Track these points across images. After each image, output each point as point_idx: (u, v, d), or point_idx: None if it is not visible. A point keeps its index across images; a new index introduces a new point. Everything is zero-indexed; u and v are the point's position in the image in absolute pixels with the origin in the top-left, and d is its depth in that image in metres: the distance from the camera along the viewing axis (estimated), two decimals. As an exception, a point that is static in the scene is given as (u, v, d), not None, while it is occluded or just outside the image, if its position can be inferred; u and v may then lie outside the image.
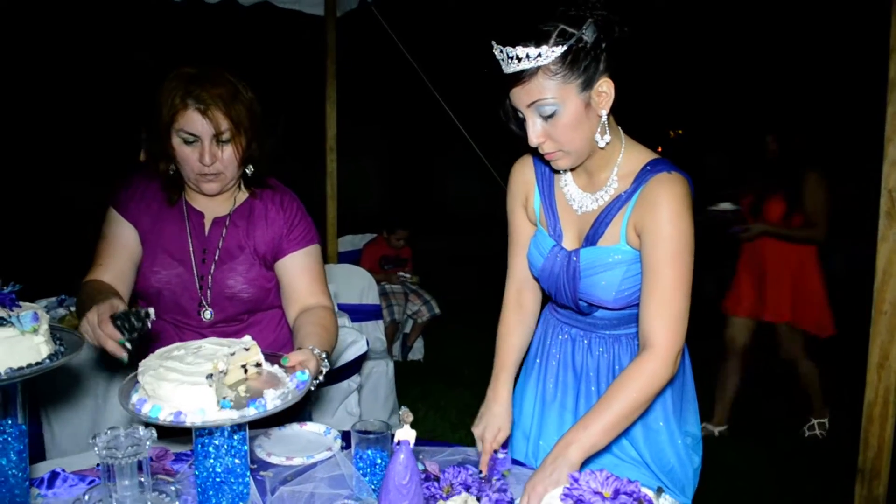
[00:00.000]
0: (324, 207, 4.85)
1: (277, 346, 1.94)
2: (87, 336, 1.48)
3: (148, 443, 1.01)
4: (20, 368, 1.20)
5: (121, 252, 1.88)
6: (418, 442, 1.32)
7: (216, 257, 1.88)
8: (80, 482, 1.57)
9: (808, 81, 7.06)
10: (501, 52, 1.42)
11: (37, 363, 1.23)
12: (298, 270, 1.89)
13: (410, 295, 5.53)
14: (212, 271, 1.88)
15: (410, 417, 1.26)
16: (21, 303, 1.30)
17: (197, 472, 1.42)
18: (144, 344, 1.55)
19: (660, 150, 1.67)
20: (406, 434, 1.26)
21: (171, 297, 1.88)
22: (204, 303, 1.88)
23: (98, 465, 1.65)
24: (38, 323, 1.21)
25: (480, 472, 1.58)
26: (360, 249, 5.61)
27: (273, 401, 1.33)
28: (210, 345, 1.45)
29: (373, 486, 1.52)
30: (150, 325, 1.49)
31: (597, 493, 0.95)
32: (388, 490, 1.24)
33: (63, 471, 1.59)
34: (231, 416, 1.30)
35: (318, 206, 4.89)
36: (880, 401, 1.87)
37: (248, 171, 1.87)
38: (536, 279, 1.75)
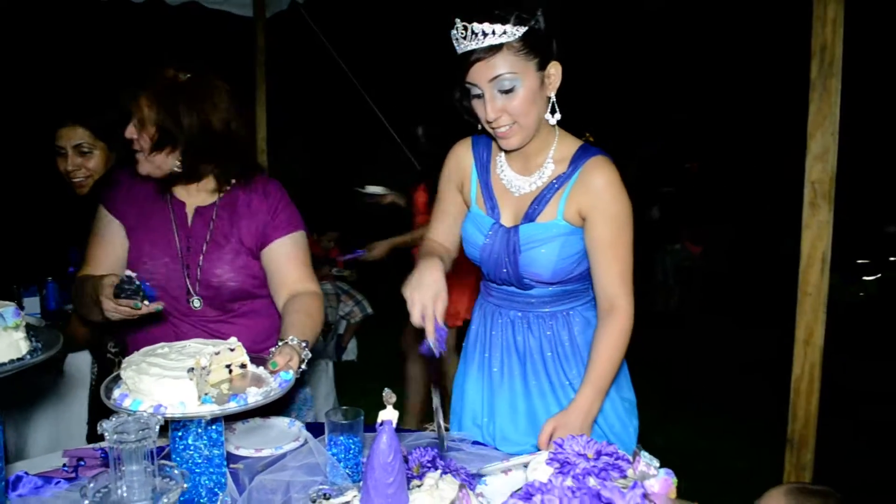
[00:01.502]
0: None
1: (271, 334, 1.94)
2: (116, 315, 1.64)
3: (156, 428, 1.02)
4: (2, 364, 1.18)
5: (109, 250, 1.93)
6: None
7: (203, 248, 1.89)
8: (46, 484, 1.55)
9: (731, 80, 7.51)
10: (466, 28, 1.54)
11: (18, 359, 1.21)
12: (285, 258, 1.91)
13: (343, 296, 5.52)
14: (200, 262, 1.89)
15: (393, 398, 1.31)
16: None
17: (175, 459, 1.43)
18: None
19: (590, 137, 1.81)
20: (389, 414, 1.31)
21: (159, 286, 1.89)
22: (192, 291, 1.89)
23: (64, 466, 1.63)
24: (19, 319, 1.20)
25: (431, 345, 1.57)
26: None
27: (254, 396, 1.36)
28: (195, 344, 1.47)
29: (347, 471, 1.56)
30: (136, 279, 1.61)
31: (580, 454, 1.03)
32: (374, 468, 1.28)
33: (26, 473, 1.56)
34: (211, 409, 1.32)
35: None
36: (806, 376, 2.05)
37: (175, 168, 1.87)
38: (473, 260, 1.84)
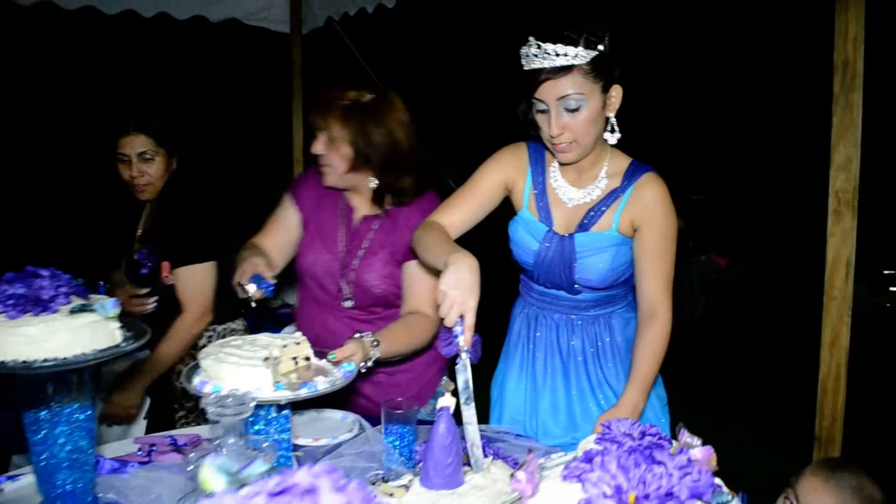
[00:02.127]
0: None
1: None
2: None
3: (252, 403, 1.15)
4: (103, 350, 1.32)
5: (281, 230, 2.14)
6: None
7: (359, 253, 2.05)
8: (122, 466, 1.69)
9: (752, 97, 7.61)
10: (539, 47, 1.63)
11: (115, 346, 1.35)
12: (416, 277, 2.01)
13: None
14: (354, 265, 2.05)
15: (451, 386, 1.43)
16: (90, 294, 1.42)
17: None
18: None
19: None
20: (447, 401, 1.43)
21: (316, 279, 2.09)
22: (344, 290, 2.06)
23: (139, 450, 1.77)
24: (118, 310, 1.33)
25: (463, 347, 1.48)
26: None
27: (323, 384, 1.49)
28: (265, 337, 1.60)
29: (402, 458, 1.68)
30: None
31: (627, 434, 1.13)
32: (434, 450, 1.40)
33: (103, 457, 1.70)
34: (286, 394, 1.45)
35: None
36: (833, 375, 2.13)
37: (370, 184, 2.03)
38: (524, 263, 1.94)
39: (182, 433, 1.91)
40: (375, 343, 1.78)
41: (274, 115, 4.78)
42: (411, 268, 2.00)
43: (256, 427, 1.54)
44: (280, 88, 4.82)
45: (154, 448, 1.81)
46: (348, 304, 2.07)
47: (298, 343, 1.61)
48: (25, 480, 1.63)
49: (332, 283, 2.08)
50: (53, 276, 1.36)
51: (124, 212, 2.56)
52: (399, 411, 1.70)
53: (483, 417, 2.00)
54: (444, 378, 1.48)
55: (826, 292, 2.13)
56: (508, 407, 2.00)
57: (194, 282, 2.39)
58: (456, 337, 1.47)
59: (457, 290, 1.47)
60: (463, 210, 1.86)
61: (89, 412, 1.43)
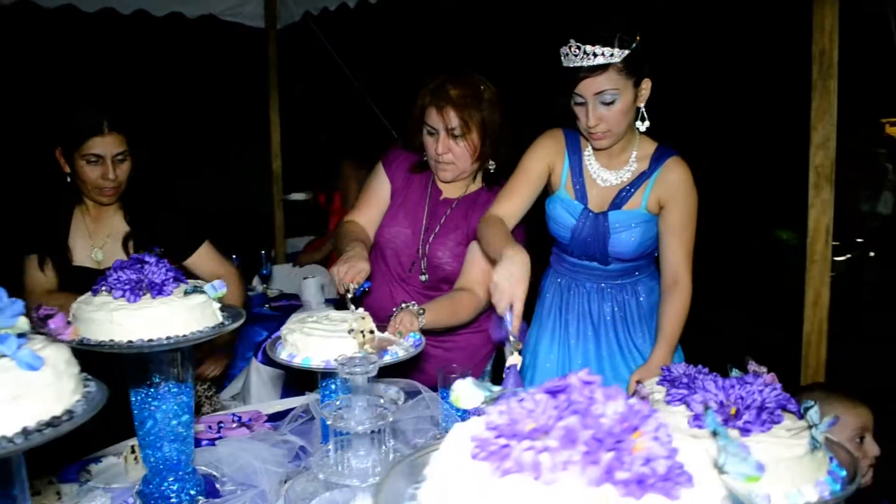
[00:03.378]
0: (271, 210, 5.06)
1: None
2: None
3: (374, 366, 1.31)
4: (213, 328, 1.46)
5: (375, 202, 2.25)
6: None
7: (437, 230, 2.19)
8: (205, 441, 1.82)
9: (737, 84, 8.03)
10: (579, 48, 1.83)
11: (221, 324, 1.49)
12: (475, 258, 2.15)
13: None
14: (430, 240, 2.18)
15: (520, 346, 1.61)
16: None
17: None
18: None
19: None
20: (515, 360, 1.61)
21: (395, 251, 2.20)
22: (421, 265, 2.20)
23: (208, 427, 1.90)
24: (224, 290, 1.47)
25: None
26: (301, 251, 5.82)
27: (402, 351, 1.65)
28: (335, 313, 1.75)
29: (459, 419, 1.85)
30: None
31: (686, 374, 1.32)
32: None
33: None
34: (386, 359, 1.61)
35: (268, 211, 5.10)
36: (815, 330, 2.41)
37: (489, 166, 2.16)
38: (560, 238, 2.14)
39: (242, 411, 2.05)
40: (422, 311, 1.92)
41: (251, 110, 4.85)
42: (474, 248, 2.15)
43: (331, 389, 1.70)
44: (257, 84, 4.88)
45: (222, 425, 1.94)
46: (423, 277, 2.21)
47: (363, 318, 1.76)
48: (107, 462, 1.75)
49: (408, 257, 2.21)
50: (159, 262, 1.48)
51: (54, 213, 2.33)
52: (454, 376, 1.87)
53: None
54: (513, 337, 1.65)
55: (808, 257, 2.40)
56: (541, 370, 2.20)
57: (212, 257, 2.42)
58: (506, 323, 1.65)
59: (508, 281, 1.65)
60: (518, 198, 2.05)
61: (190, 387, 1.56)
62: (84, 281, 2.06)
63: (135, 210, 2.36)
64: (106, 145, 2.17)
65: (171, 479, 1.54)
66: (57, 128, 2.19)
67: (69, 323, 1.01)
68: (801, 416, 1.04)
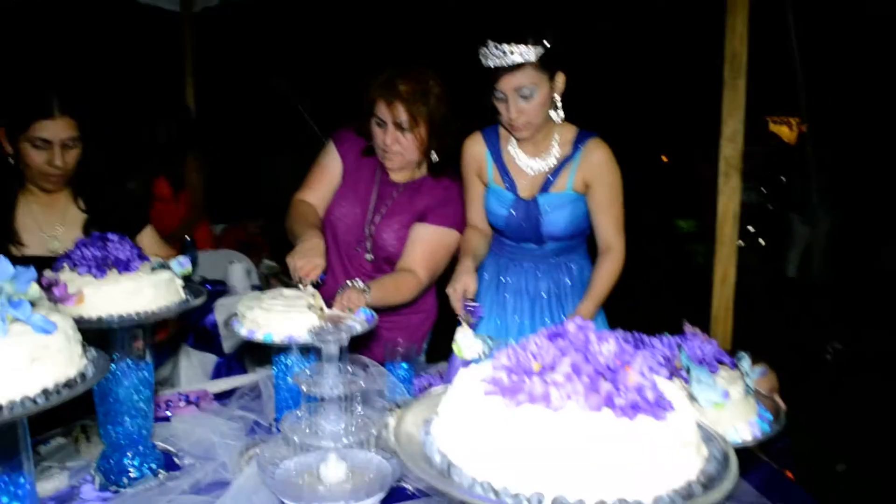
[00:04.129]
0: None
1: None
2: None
3: (346, 335, 1.37)
4: (179, 304, 1.49)
5: (327, 180, 2.28)
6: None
7: (383, 212, 2.24)
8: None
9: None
10: (497, 48, 1.95)
11: (185, 300, 1.52)
12: (417, 238, 2.22)
13: (271, 279, 5.74)
14: (377, 222, 2.24)
15: (472, 320, 1.72)
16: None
17: (276, 385, 1.77)
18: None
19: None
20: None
21: (344, 230, 2.25)
22: (366, 245, 2.25)
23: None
24: (189, 267, 1.50)
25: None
26: (219, 237, 5.72)
27: (360, 325, 1.72)
28: (288, 291, 1.80)
29: (405, 389, 1.94)
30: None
31: (630, 334, 1.44)
32: (455, 367, 1.70)
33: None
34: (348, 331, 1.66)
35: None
36: (723, 306, 2.64)
37: (433, 157, 2.21)
38: (496, 226, 2.28)
39: (189, 390, 2.06)
40: (367, 289, 1.98)
41: (167, 95, 4.71)
42: (416, 230, 2.23)
43: (286, 363, 1.75)
44: (173, 69, 4.75)
45: (170, 403, 1.95)
46: (368, 256, 2.27)
47: (313, 295, 1.81)
48: (56, 443, 1.73)
49: (355, 236, 2.27)
50: (122, 239, 1.49)
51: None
52: (400, 350, 1.96)
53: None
54: (463, 312, 1.77)
55: (717, 239, 2.63)
56: (480, 342, 2.33)
57: (157, 240, 2.33)
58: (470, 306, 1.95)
59: (450, 284, 2.03)
60: (476, 205, 2.30)
61: (150, 364, 1.58)
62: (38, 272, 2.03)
63: (90, 196, 2.21)
64: (55, 129, 1.99)
65: (131, 453, 1.56)
66: (7, 110, 2.03)
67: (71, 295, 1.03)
68: (735, 367, 1.20)
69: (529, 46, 1.97)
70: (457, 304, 2.01)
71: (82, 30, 4.94)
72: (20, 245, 2.06)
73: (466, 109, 2.33)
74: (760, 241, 7.58)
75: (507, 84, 2.01)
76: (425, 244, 2.22)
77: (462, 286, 2.05)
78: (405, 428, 0.85)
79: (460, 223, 2.29)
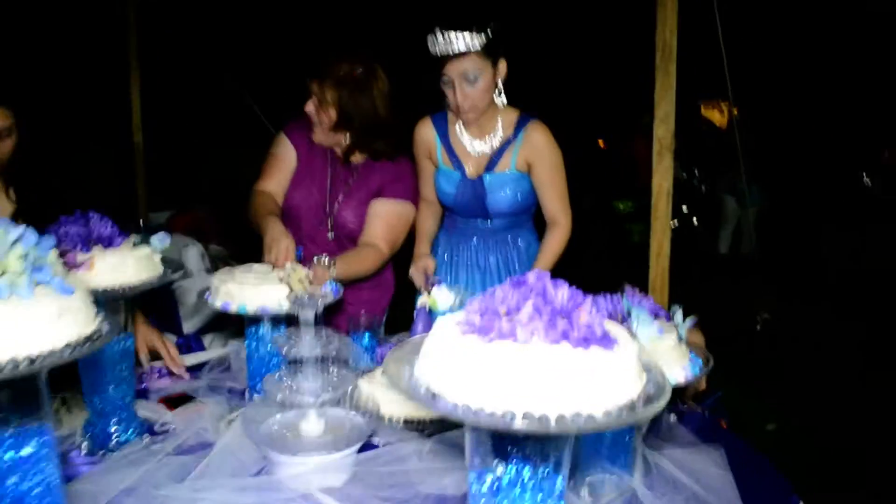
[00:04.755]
0: (134, 182, 4.94)
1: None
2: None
3: (321, 302, 1.50)
4: (160, 277, 1.58)
5: (283, 168, 2.37)
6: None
7: (341, 194, 2.35)
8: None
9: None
10: (444, 35, 2.09)
11: (163, 274, 1.61)
12: (375, 213, 2.34)
13: (220, 263, 5.76)
14: (338, 202, 2.35)
15: (431, 289, 1.86)
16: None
17: (249, 355, 1.88)
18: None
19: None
20: (424, 301, 1.87)
21: (304, 212, 2.36)
22: (327, 224, 2.37)
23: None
24: (167, 243, 1.59)
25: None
26: (165, 223, 5.70)
27: (326, 298, 1.82)
28: (258, 266, 1.91)
29: (369, 357, 2.07)
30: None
31: None
32: (421, 321, 1.86)
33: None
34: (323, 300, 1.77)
35: (130, 182, 4.97)
36: (659, 276, 2.84)
37: (344, 140, 2.32)
38: (446, 203, 2.44)
39: (160, 364, 2.13)
40: (333, 263, 2.10)
41: (110, 76, 4.67)
42: (374, 206, 2.35)
43: (258, 335, 1.86)
44: (117, 50, 4.71)
45: (145, 377, 2.05)
46: (330, 235, 2.38)
47: (295, 269, 1.91)
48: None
49: (316, 218, 2.38)
50: (101, 217, 1.57)
51: None
52: (363, 321, 2.10)
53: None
54: (428, 287, 1.92)
55: (652, 215, 2.82)
56: (435, 313, 2.47)
57: None
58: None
59: (420, 263, 2.31)
60: (429, 184, 2.49)
61: (132, 335, 1.67)
62: None
63: (21, 187, 2.20)
64: None
65: (116, 420, 1.65)
66: None
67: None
68: (669, 319, 1.38)
69: (474, 34, 2.11)
70: (420, 281, 2.24)
71: (19, 16, 4.85)
72: None
73: (412, 96, 2.47)
74: (694, 220, 7.96)
75: (453, 69, 2.16)
76: (383, 218, 2.35)
77: (423, 266, 2.25)
78: (390, 370, 0.98)
79: (414, 195, 2.43)
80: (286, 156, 2.40)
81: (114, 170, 5.38)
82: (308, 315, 1.48)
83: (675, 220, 7.46)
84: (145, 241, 1.58)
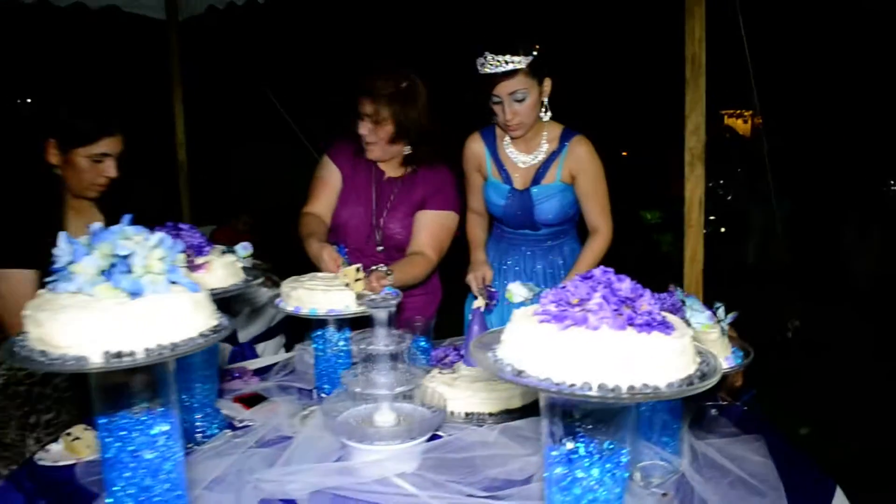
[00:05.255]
0: (178, 198, 5.15)
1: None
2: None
3: (394, 303, 1.65)
4: (247, 282, 1.74)
5: (328, 190, 2.52)
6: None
7: (387, 206, 2.50)
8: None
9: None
10: (495, 58, 2.27)
11: (247, 280, 1.77)
12: (422, 224, 2.50)
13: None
14: (384, 216, 2.50)
15: (493, 302, 2.01)
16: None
17: (316, 357, 2.03)
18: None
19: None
20: (480, 303, 2.01)
21: (353, 228, 2.51)
22: (375, 237, 2.52)
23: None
24: (250, 251, 1.75)
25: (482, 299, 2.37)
26: (210, 236, 5.92)
27: (393, 299, 1.97)
28: (321, 273, 2.07)
29: (425, 360, 2.21)
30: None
31: None
32: (473, 335, 1.98)
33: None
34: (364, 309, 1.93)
35: (174, 198, 5.18)
36: (693, 282, 2.96)
37: (404, 151, 2.48)
38: (496, 214, 2.60)
39: (229, 367, 2.29)
40: (390, 272, 2.24)
41: (155, 101, 4.90)
42: (419, 218, 2.50)
43: (325, 336, 2.01)
44: (161, 76, 4.93)
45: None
46: (379, 248, 2.53)
47: (357, 268, 2.05)
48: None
49: (365, 232, 2.53)
50: (190, 227, 1.74)
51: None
52: (418, 325, 2.24)
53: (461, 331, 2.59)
54: (485, 294, 2.09)
55: (686, 223, 2.94)
56: (487, 316, 2.61)
57: None
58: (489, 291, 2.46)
59: (470, 271, 2.52)
60: (476, 196, 2.69)
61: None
62: None
63: (110, 202, 2.34)
64: (113, 145, 2.20)
65: (201, 416, 1.81)
66: (61, 124, 2.16)
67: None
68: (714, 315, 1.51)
69: (521, 56, 2.28)
70: (477, 289, 2.42)
71: (68, 39, 5.09)
72: None
73: (454, 109, 2.62)
74: (721, 229, 8.03)
75: (502, 89, 2.32)
76: (429, 228, 2.50)
77: (481, 274, 2.43)
78: (476, 355, 1.13)
79: (455, 204, 2.57)
80: (331, 178, 2.55)
81: (159, 186, 5.60)
82: (381, 315, 1.63)
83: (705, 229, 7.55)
84: (229, 250, 1.74)
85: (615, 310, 1.03)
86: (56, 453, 1.77)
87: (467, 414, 1.83)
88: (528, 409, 1.84)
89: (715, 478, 1.58)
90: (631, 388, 0.98)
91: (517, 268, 2.60)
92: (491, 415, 1.82)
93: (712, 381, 1.03)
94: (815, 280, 7.18)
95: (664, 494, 1.42)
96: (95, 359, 1.01)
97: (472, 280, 2.45)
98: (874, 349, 5.47)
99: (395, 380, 1.62)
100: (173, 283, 1.11)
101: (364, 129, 2.41)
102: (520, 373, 1.03)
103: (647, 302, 1.06)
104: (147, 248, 1.08)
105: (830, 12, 7.92)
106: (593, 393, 0.97)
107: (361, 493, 1.50)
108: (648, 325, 1.03)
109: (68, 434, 1.81)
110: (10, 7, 4.00)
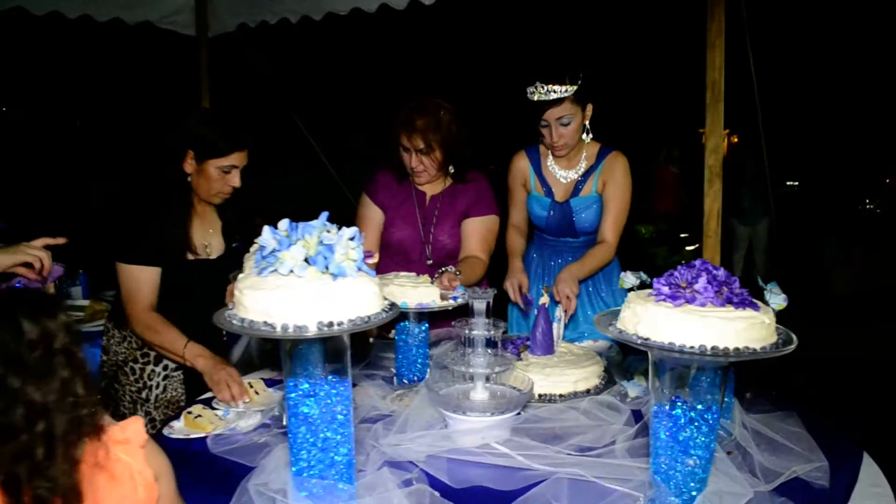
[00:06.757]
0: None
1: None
2: None
3: (491, 294, 1.92)
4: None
5: (372, 226, 2.80)
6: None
7: (434, 221, 2.77)
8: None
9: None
10: (544, 87, 2.54)
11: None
12: (470, 231, 2.78)
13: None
14: (432, 230, 2.77)
15: (529, 308, 2.29)
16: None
17: (398, 346, 2.29)
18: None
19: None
20: (545, 300, 2.29)
21: (403, 247, 2.77)
22: (426, 252, 2.78)
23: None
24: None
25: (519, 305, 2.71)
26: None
27: (462, 297, 2.24)
28: (404, 273, 2.34)
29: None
30: None
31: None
32: (539, 332, 2.26)
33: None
34: (447, 303, 2.20)
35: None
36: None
37: (450, 169, 2.74)
38: (539, 225, 2.88)
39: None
40: (458, 273, 2.48)
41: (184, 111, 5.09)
42: (466, 226, 2.79)
43: (407, 327, 2.26)
44: (191, 91, 5.15)
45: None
46: (429, 262, 2.79)
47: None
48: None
49: (416, 249, 2.81)
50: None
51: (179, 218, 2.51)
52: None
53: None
54: (522, 301, 2.45)
55: (705, 233, 3.26)
56: (532, 315, 2.86)
57: None
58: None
59: (507, 279, 2.70)
60: (519, 207, 2.95)
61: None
62: (195, 273, 2.46)
63: (227, 207, 2.55)
64: (241, 159, 2.40)
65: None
66: (199, 138, 2.36)
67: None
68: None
69: (568, 85, 2.57)
70: (515, 295, 2.66)
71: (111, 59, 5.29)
72: (193, 252, 2.48)
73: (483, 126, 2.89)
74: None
75: (550, 115, 2.61)
76: (477, 233, 2.80)
77: (518, 282, 2.68)
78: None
79: (496, 208, 2.85)
80: (373, 214, 2.83)
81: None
82: (480, 305, 1.90)
83: (697, 244, 7.92)
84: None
85: (717, 290, 1.32)
86: (179, 429, 2.01)
87: (540, 395, 2.10)
88: (592, 391, 2.13)
89: (762, 443, 1.86)
90: (737, 349, 1.26)
91: (558, 271, 2.87)
92: (561, 396, 2.09)
93: (792, 347, 1.32)
94: (801, 294, 7.51)
95: (729, 452, 1.70)
96: (312, 328, 1.27)
97: (510, 287, 2.68)
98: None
99: (490, 361, 1.89)
100: (359, 269, 1.37)
101: (414, 161, 2.67)
102: (646, 340, 1.31)
103: (737, 283, 1.35)
104: (342, 240, 1.34)
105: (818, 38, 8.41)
106: (707, 354, 1.26)
107: (467, 455, 1.76)
108: (742, 303, 1.31)
109: (189, 412, 2.06)
110: (55, 22, 4.19)
